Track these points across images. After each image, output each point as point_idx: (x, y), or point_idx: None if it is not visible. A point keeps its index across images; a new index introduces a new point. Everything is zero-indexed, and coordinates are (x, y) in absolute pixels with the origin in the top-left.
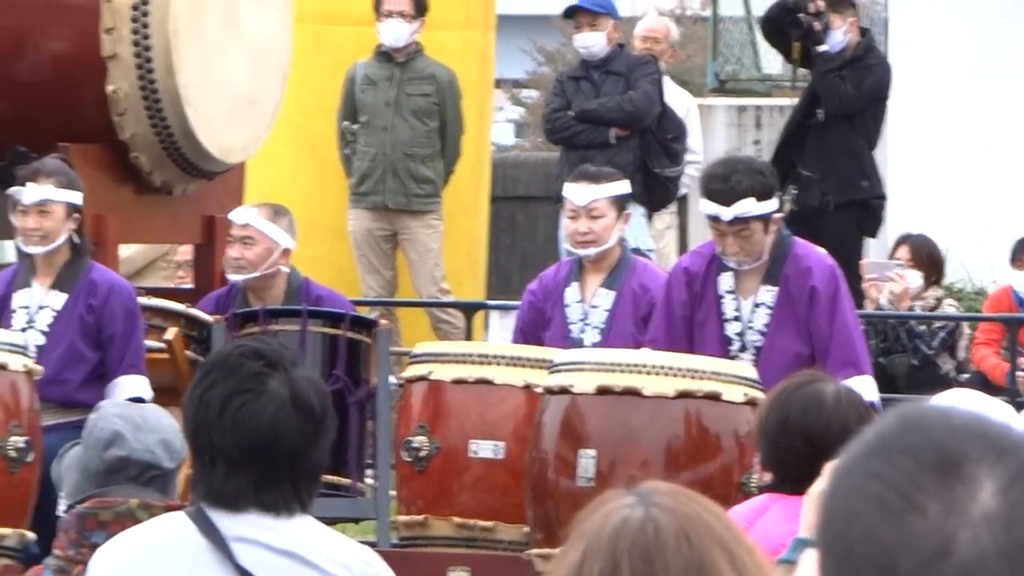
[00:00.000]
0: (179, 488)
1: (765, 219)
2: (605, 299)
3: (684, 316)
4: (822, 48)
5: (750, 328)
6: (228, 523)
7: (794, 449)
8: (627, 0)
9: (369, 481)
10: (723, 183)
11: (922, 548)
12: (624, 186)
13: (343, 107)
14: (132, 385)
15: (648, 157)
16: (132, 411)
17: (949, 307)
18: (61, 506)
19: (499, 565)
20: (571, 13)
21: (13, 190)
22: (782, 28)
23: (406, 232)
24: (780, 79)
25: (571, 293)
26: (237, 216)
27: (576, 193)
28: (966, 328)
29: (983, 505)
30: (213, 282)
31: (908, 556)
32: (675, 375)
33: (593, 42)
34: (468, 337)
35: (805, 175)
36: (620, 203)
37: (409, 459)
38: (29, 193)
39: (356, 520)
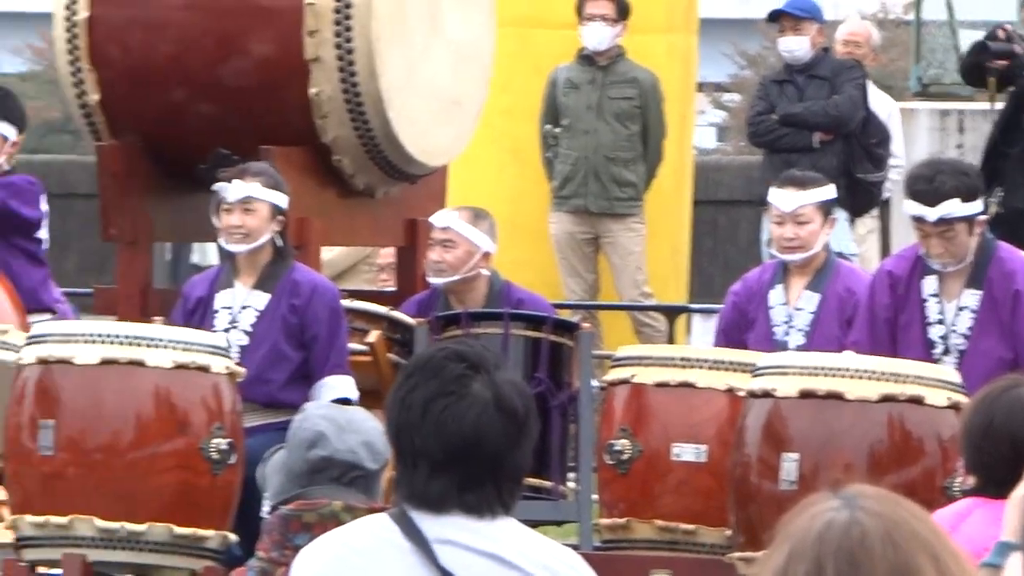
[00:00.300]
0: (383, 490)
1: (969, 220)
2: (809, 302)
3: (887, 319)
4: None
5: (953, 331)
6: (431, 525)
7: (998, 453)
8: (830, 3)
9: (571, 484)
10: (928, 184)
11: None
12: (830, 191)
13: (545, 110)
14: (339, 385)
15: (851, 162)
16: (336, 412)
17: None
18: (265, 507)
19: (701, 568)
20: (775, 17)
21: (218, 186)
22: (979, 65)
23: (608, 235)
24: None
25: (775, 295)
26: (438, 219)
27: (782, 199)
28: None
29: None
30: (415, 285)
31: None
32: (878, 379)
33: (797, 46)
34: (670, 340)
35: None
36: (826, 208)
37: (611, 462)
38: (234, 190)
39: (558, 523)
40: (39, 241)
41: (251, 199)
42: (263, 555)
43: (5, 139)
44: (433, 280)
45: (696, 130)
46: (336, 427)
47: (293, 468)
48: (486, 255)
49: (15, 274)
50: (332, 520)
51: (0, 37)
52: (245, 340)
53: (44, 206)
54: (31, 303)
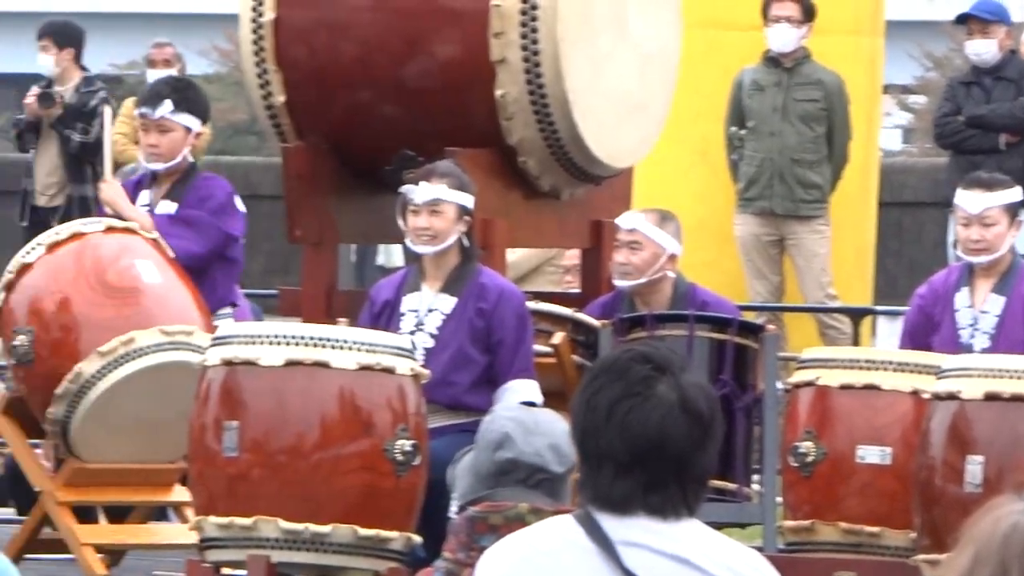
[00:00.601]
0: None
1: None
2: (995, 305)
3: None
4: None
5: None
6: (616, 527)
7: None
8: (1018, 6)
9: (755, 487)
10: None
11: None
12: (1016, 193)
13: (730, 112)
14: (523, 389)
15: None
16: (524, 414)
17: None
18: (453, 508)
19: (886, 571)
20: (963, 20)
21: (405, 189)
22: None
23: (793, 237)
24: None
25: (961, 298)
26: (625, 221)
27: (969, 200)
28: None
29: None
30: (600, 287)
31: None
32: None
33: (985, 49)
34: (855, 342)
35: None
36: (1012, 210)
37: (796, 464)
38: (421, 192)
39: (742, 525)
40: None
41: (439, 201)
42: (449, 556)
43: (188, 130)
44: (619, 282)
45: (882, 132)
46: (523, 429)
47: (480, 469)
48: (672, 257)
49: (211, 273)
50: (518, 522)
51: (186, 39)
52: (431, 343)
53: (242, 206)
54: (216, 302)
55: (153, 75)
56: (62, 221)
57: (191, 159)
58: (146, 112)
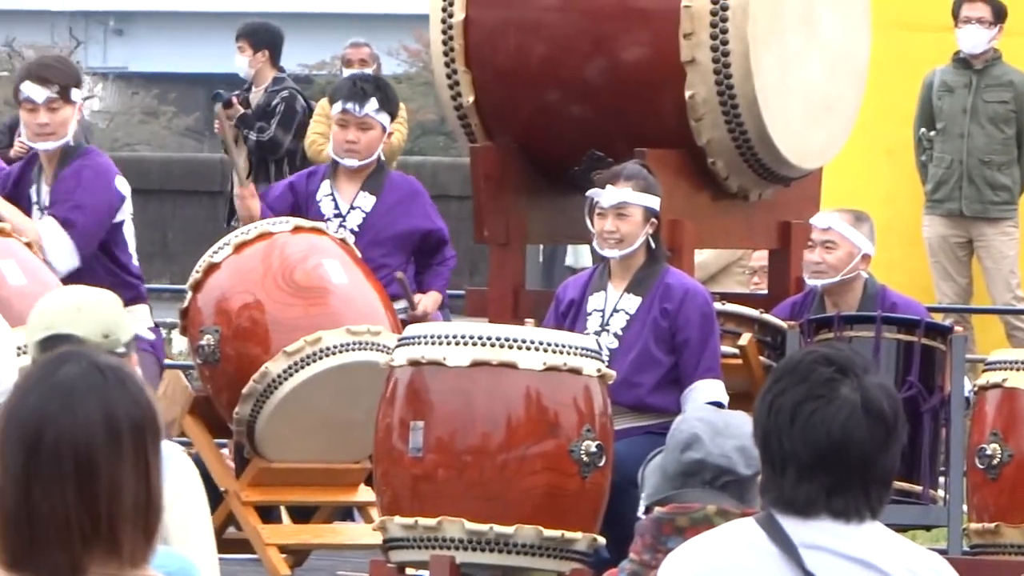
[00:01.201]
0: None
1: None
2: None
3: None
4: None
5: None
6: (798, 530)
7: None
8: None
9: (940, 489)
10: None
11: None
12: None
13: (920, 114)
14: (709, 390)
15: None
16: (714, 416)
17: None
18: (641, 508)
19: None
20: None
21: (592, 192)
22: None
23: (981, 239)
24: None
25: None
26: (819, 220)
27: None
28: None
29: None
30: (787, 288)
31: None
32: None
33: None
34: None
35: None
36: None
37: (982, 467)
38: (607, 196)
39: (928, 527)
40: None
41: (625, 204)
42: (636, 557)
43: (384, 130)
44: (812, 281)
45: None
46: (712, 430)
47: (667, 469)
48: (865, 257)
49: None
50: (704, 524)
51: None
52: (615, 344)
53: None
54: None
55: (349, 75)
56: None
57: (382, 157)
58: (350, 108)
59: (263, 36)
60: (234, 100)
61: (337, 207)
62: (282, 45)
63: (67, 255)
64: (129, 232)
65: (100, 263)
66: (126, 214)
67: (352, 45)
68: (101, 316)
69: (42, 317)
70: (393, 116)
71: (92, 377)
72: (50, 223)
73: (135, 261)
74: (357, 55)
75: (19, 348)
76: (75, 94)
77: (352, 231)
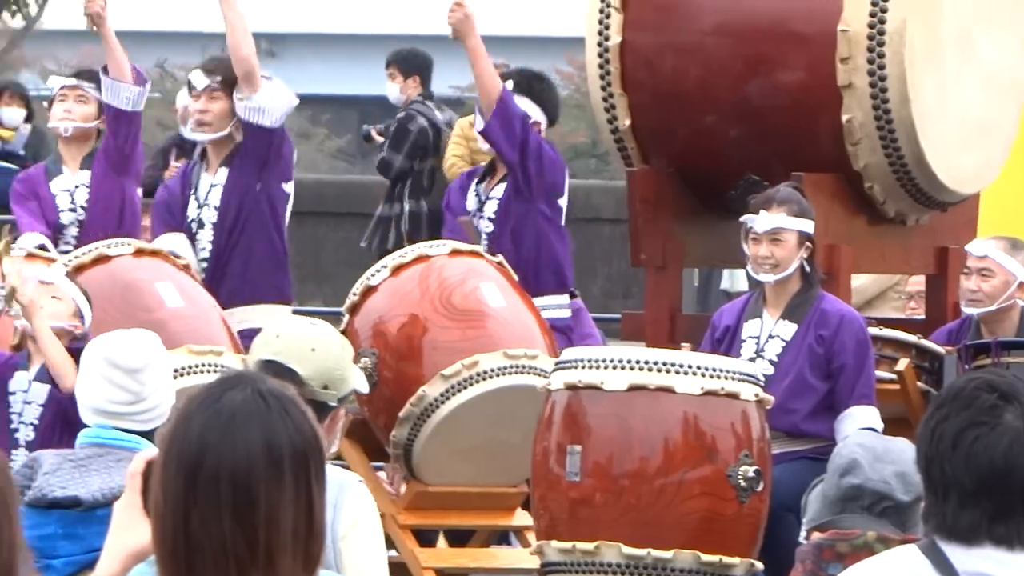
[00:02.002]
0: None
1: None
2: None
3: None
4: None
5: None
6: (962, 557)
7: None
8: None
9: None
10: None
11: None
12: None
13: None
14: (863, 416)
15: None
16: (875, 442)
17: None
18: (801, 533)
19: None
20: None
21: (746, 218)
22: None
23: None
24: None
25: None
26: (975, 248)
27: None
28: None
29: None
30: (944, 313)
31: None
32: None
33: None
34: None
35: None
36: None
37: None
38: (761, 221)
39: None
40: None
41: (779, 229)
42: None
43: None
44: (967, 310)
45: None
46: (871, 456)
47: (827, 495)
48: (1022, 285)
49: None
50: (865, 551)
51: (526, 61)
52: (770, 370)
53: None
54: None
55: None
56: (380, 243)
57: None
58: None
59: (413, 62)
60: (373, 133)
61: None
62: (431, 70)
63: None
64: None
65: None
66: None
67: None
68: (330, 365)
69: (276, 341)
70: (545, 109)
71: (255, 404)
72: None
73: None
74: None
75: (177, 370)
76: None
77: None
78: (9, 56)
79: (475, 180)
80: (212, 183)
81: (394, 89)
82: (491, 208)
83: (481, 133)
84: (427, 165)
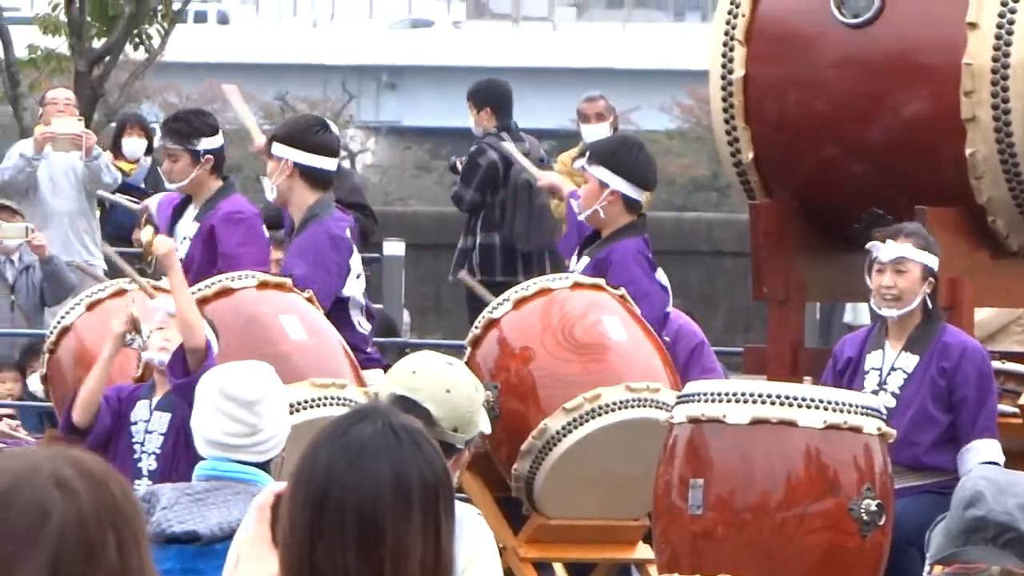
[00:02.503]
0: None
1: None
2: None
3: None
4: None
5: None
6: None
7: None
8: None
9: None
10: None
11: None
12: None
13: None
14: (985, 449)
15: None
16: (999, 474)
17: None
18: (925, 569)
19: None
20: None
21: (871, 245)
22: None
23: None
24: None
25: None
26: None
27: None
28: None
29: None
30: None
31: None
32: None
33: None
34: None
35: None
36: None
37: None
38: (887, 250)
39: None
40: None
41: (903, 260)
42: None
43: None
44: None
45: None
46: (995, 488)
47: (951, 528)
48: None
49: None
50: None
51: (647, 94)
52: (892, 402)
53: None
54: None
55: (587, 129)
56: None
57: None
58: (582, 167)
59: (485, 94)
60: (458, 165)
61: None
62: (507, 102)
63: None
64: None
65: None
66: None
67: (587, 99)
68: (463, 409)
69: (412, 377)
70: (629, 178)
71: (385, 437)
72: None
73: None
74: (593, 109)
75: (299, 404)
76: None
77: None
78: (131, 88)
79: (581, 244)
80: None
81: (471, 122)
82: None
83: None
84: (498, 198)
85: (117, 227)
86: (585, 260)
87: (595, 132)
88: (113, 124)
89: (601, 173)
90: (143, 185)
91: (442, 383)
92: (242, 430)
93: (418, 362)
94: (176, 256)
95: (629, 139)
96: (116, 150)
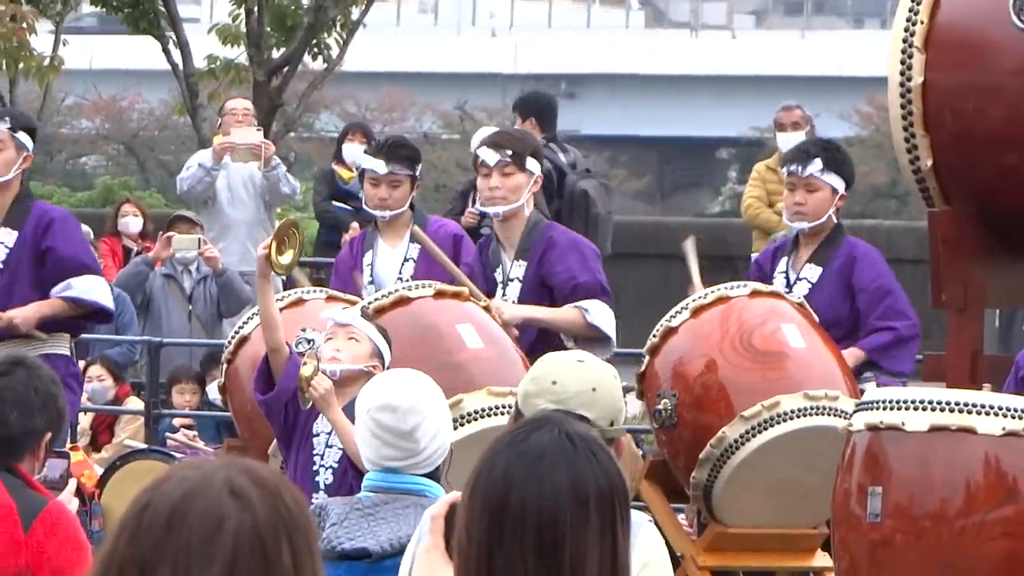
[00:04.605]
0: None
1: None
2: None
3: None
4: None
5: None
6: None
7: None
8: None
9: None
10: None
11: None
12: None
13: None
14: None
15: None
16: None
17: None
18: None
19: None
20: None
21: None
22: None
23: None
24: None
25: None
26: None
27: None
28: None
29: None
30: None
31: None
32: None
33: None
34: None
35: None
36: None
37: None
38: None
39: None
40: None
41: None
42: None
43: (835, 191)
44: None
45: None
46: None
47: None
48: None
49: None
50: None
51: (826, 102)
52: None
53: None
54: None
55: (782, 138)
56: None
57: (835, 220)
58: (794, 170)
59: (530, 106)
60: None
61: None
62: (551, 112)
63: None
64: None
65: None
66: None
67: (784, 108)
68: (613, 401)
69: (555, 389)
70: (846, 179)
71: (562, 445)
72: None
73: None
74: (789, 118)
75: (476, 412)
76: (531, 163)
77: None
78: (309, 98)
79: (782, 255)
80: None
81: None
82: (801, 289)
83: None
84: (553, 207)
85: (328, 232)
86: (811, 267)
87: (791, 140)
88: (292, 134)
89: (835, 180)
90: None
91: (586, 384)
92: (402, 454)
93: (552, 370)
94: (334, 395)
95: (836, 144)
96: (337, 156)
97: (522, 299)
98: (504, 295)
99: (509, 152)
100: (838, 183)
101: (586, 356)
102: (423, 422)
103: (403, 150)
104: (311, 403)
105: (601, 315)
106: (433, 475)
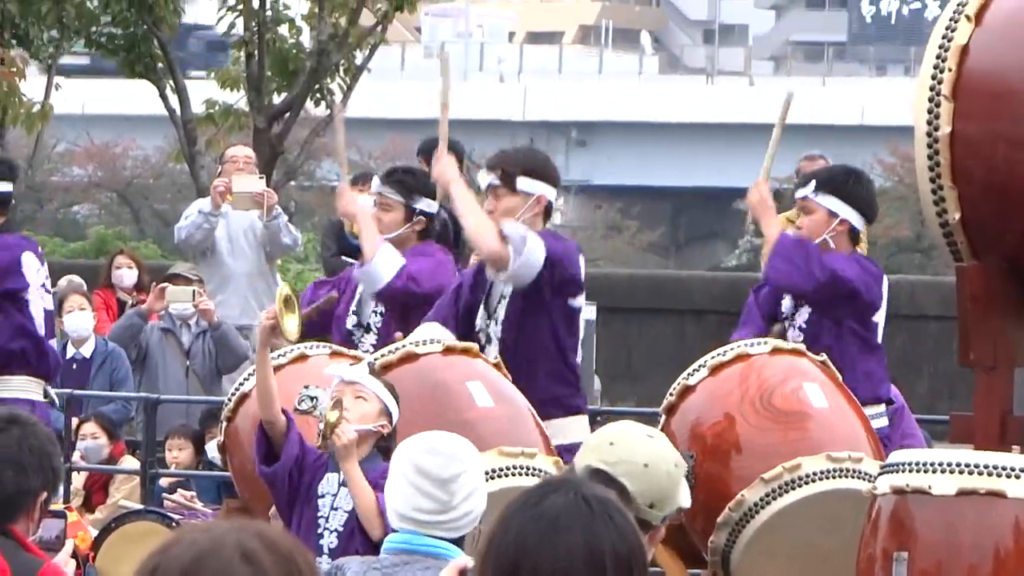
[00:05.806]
0: None
1: None
2: None
3: None
4: None
5: None
6: None
7: None
8: None
9: None
10: None
11: None
12: None
13: None
14: None
15: None
16: None
17: None
18: None
19: None
20: None
21: None
22: None
23: None
24: None
25: None
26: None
27: None
28: None
29: None
30: None
31: None
32: None
33: None
34: None
35: None
36: None
37: None
38: None
39: None
40: (872, 325)
41: None
42: None
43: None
44: None
45: None
46: None
47: None
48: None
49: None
50: None
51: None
52: None
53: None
54: (867, 393)
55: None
56: None
57: (832, 245)
58: (796, 194)
59: (428, 146)
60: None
61: None
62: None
63: None
64: None
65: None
66: None
67: (807, 158)
68: (662, 485)
69: (609, 450)
70: (858, 210)
71: (578, 508)
72: None
73: None
74: (812, 167)
75: (487, 473)
76: (523, 183)
77: None
78: (311, 145)
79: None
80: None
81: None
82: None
83: None
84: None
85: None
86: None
87: None
88: (292, 183)
89: (831, 202)
90: None
91: (641, 457)
92: (435, 507)
93: (617, 433)
94: (355, 447)
95: (857, 170)
96: None
97: (507, 313)
98: (495, 312)
99: (498, 172)
100: (837, 206)
101: (659, 435)
102: (463, 474)
103: (398, 175)
104: (328, 451)
105: (517, 233)
106: (459, 543)
